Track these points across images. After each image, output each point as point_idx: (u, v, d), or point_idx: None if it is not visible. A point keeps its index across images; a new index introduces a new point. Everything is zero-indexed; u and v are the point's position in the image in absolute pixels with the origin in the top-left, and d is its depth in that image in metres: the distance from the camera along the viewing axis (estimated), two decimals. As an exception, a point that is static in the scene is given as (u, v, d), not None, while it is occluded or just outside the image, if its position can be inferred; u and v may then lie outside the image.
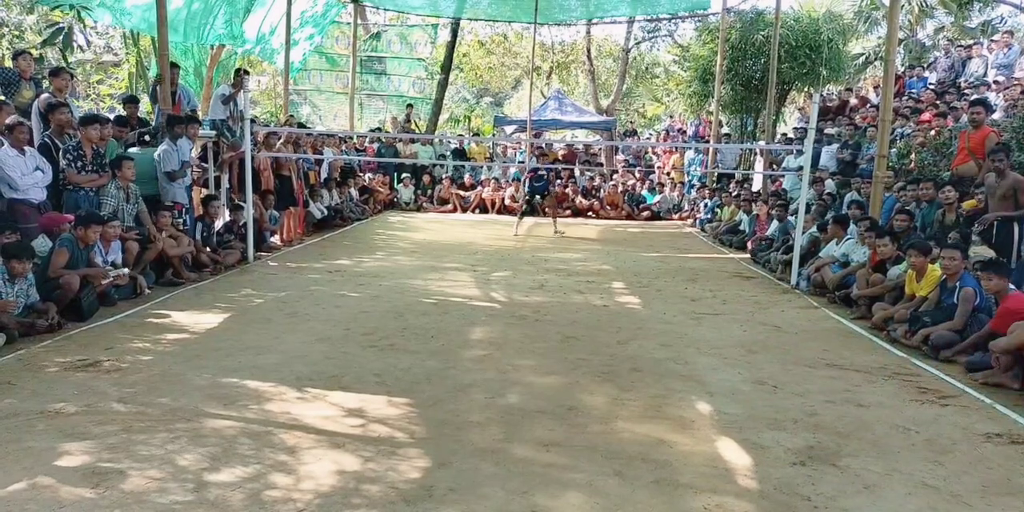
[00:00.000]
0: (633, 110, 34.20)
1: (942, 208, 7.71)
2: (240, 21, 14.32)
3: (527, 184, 13.43)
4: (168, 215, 7.59)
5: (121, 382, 4.42)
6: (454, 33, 21.58)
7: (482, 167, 17.39)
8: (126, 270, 6.57)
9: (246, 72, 10.62)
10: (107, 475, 3.20)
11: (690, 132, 20.19)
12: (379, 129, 19.47)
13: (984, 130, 8.05)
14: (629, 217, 16.00)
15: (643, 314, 6.81)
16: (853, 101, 15.11)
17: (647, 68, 30.57)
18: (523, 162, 17.27)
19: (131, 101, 9.34)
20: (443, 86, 21.39)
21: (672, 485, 3.29)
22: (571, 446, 3.69)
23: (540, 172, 13.42)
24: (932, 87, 13.41)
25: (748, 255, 10.51)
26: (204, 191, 9.51)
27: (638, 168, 18.00)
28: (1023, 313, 4.87)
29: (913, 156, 10.03)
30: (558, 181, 17.06)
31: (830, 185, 11.17)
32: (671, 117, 25.84)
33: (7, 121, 6.48)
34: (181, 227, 7.93)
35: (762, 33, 15.64)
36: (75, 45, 19.58)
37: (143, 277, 6.92)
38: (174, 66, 9.31)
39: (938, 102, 11.88)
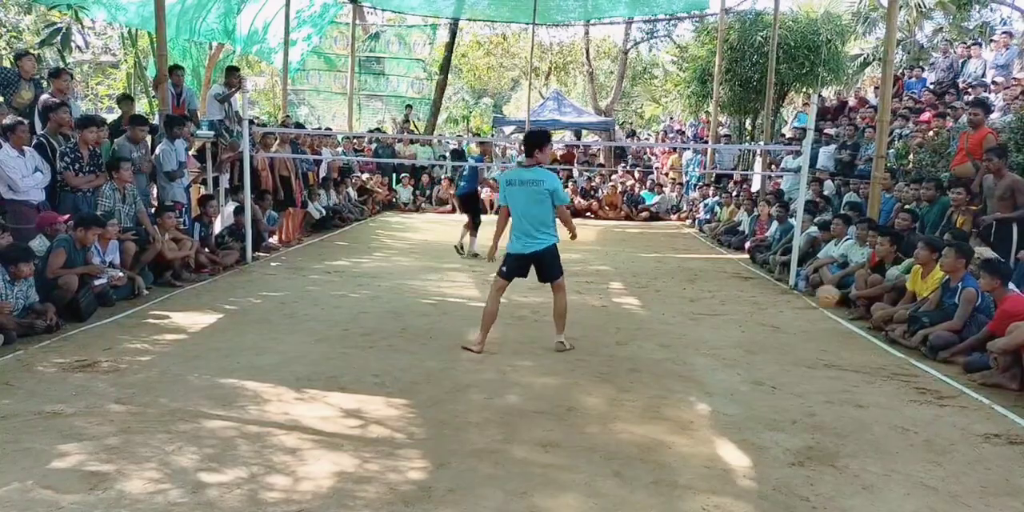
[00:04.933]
0: (631, 111, 34.21)
1: (949, 209, 7.69)
2: (234, 16, 14.30)
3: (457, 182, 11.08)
4: (173, 216, 7.60)
5: (119, 383, 4.42)
6: (453, 34, 21.58)
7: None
8: (121, 272, 6.56)
9: (237, 69, 10.58)
10: (105, 476, 3.20)
11: (689, 133, 20.22)
12: (378, 130, 19.47)
13: (982, 131, 8.05)
14: (628, 217, 16.01)
15: (642, 315, 6.81)
16: (851, 102, 15.12)
17: (645, 69, 30.59)
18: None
19: (126, 99, 9.36)
20: (441, 87, 21.40)
21: (671, 486, 3.29)
22: (570, 447, 3.69)
23: (465, 164, 10.68)
24: (931, 87, 13.41)
25: (747, 256, 10.52)
26: (202, 189, 9.50)
27: (637, 168, 18.02)
28: (1021, 315, 4.88)
29: (912, 157, 10.03)
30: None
31: (829, 186, 11.18)
32: (671, 118, 25.86)
33: (6, 121, 6.47)
34: (181, 227, 7.93)
35: (761, 34, 15.65)
36: (73, 45, 19.61)
37: (141, 278, 6.92)
38: (178, 68, 9.31)
39: (937, 103, 11.88)
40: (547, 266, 5.32)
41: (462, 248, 10.06)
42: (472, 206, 10.21)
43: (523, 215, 5.27)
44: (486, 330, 5.38)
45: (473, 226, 9.98)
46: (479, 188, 10.93)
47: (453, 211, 16.18)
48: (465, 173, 10.42)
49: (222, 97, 9.70)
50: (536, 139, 5.32)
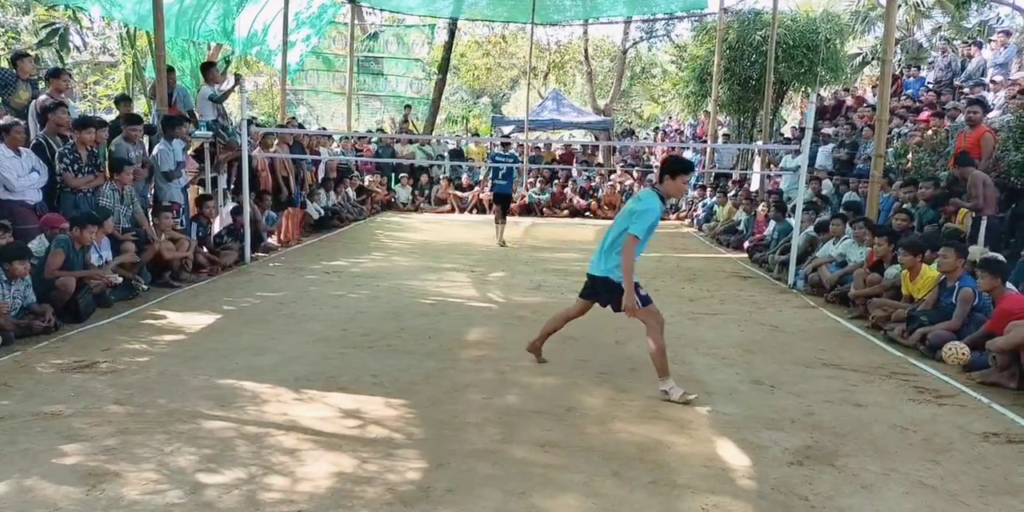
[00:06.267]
0: (630, 110, 34.23)
1: (942, 210, 7.74)
2: (233, 17, 14.28)
3: (490, 183, 11.92)
4: (169, 216, 7.59)
5: (118, 383, 4.41)
6: (451, 33, 21.57)
7: (479, 167, 17.37)
8: (119, 278, 6.54)
9: (213, 64, 10.51)
10: (103, 477, 3.19)
11: (688, 133, 20.18)
12: (379, 130, 19.46)
13: (979, 129, 8.08)
14: (627, 217, 15.98)
15: (641, 314, 6.80)
16: (849, 101, 15.12)
17: (644, 68, 30.60)
18: (524, 162, 17.22)
19: (123, 100, 9.35)
20: (440, 86, 21.39)
21: (670, 485, 3.29)
22: (569, 447, 3.68)
23: (501, 167, 11.25)
24: (930, 86, 13.42)
25: (745, 255, 10.52)
26: (201, 190, 9.49)
27: (636, 168, 18.02)
28: (1019, 313, 4.87)
29: (910, 156, 10.04)
30: (552, 180, 17.07)
31: (827, 185, 11.18)
32: (669, 118, 25.87)
33: (2, 121, 6.46)
34: (178, 227, 7.91)
35: (759, 33, 15.65)
36: (71, 46, 19.60)
37: (140, 277, 6.91)
38: (170, 69, 9.29)
39: (935, 102, 11.88)
40: (602, 293, 4.64)
41: (504, 242, 11.18)
42: (506, 202, 11.49)
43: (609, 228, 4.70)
44: (538, 336, 5.05)
45: (503, 220, 11.26)
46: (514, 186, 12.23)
47: (452, 211, 16.19)
48: (502, 172, 11.25)
49: (217, 98, 9.69)
50: (670, 165, 4.50)
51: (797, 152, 10.84)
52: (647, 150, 19.89)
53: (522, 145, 17.02)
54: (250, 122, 9.14)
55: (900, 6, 19.54)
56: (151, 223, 7.57)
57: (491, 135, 22.52)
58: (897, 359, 5.47)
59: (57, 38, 18.61)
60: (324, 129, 17.84)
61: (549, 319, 5.08)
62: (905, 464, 3.57)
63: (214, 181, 9.67)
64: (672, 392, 4.38)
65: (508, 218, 11.78)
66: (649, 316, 4.42)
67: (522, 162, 13.64)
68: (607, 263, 4.52)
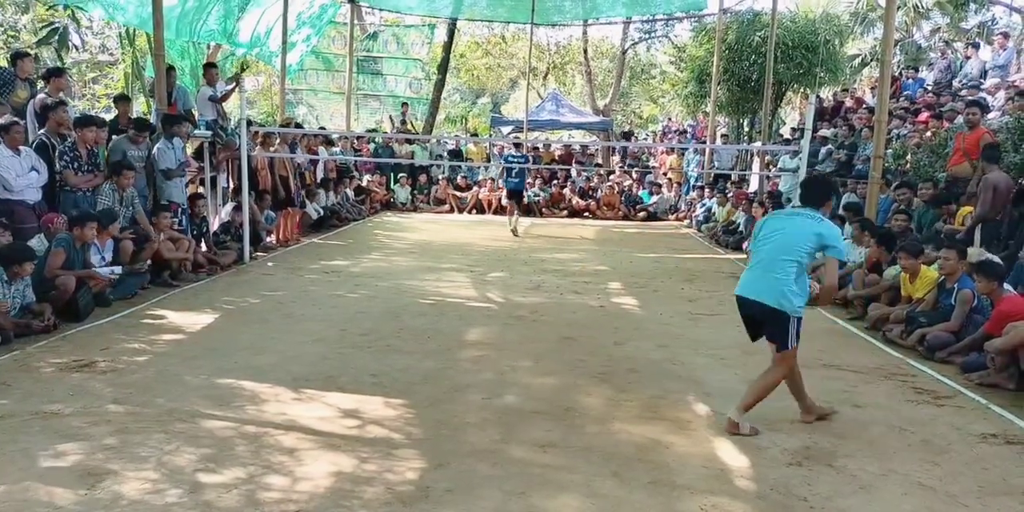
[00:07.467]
0: (630, 111, 34.24)
1: (939, 210, 7.73)
2: (235, 19, 14.28)
3: (504, 179, 13.42)
4: (168, 216, 7.58)
5: (117, 383, 4.41)
6: (451, 34, 21.57)
7: (479, 167, 17.38)
8: (119, 268, 6.53)
9: (214, 65, 10.56)
10: (102, 476, 3.19)
11: (688, 133, 20.17)
12: (374, 130, 19.46)
13: (978, 131, 8.09)
14: (626, 218, 16.03)
15: (640, 315, 6.82)
16: (848, 102, 15.14)
17: (643, 69, 30.62)
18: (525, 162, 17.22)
19: (122, 99, 9.35)
20: (439, 86, 21.40)
21: (669, 486, 3.29)
22: (568, 447, 3.68)
23: (514, 166, 12.64)
24: (929, 88, 13.44)
25: (744, 256, 10.52)
26: (201, 189, 9.49)
27: (635, 169, 18.02)
28: (1018, 315, 4.88)
29: (909, 157, 10.05)
30: (551, 180, 17.09)
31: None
32: (669, 118, 25.88)
33: (1, 121, 6.46)
34: (177, 227, 7.90)
35: (759, 34, 15.68)
36: (70, 45, 19.60)
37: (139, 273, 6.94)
38: (170, 68, 9.30)
39: (934, 103, 11.90)
40: (768, 323, 3.98)
41: (515, 231, 12.44)
42: (520, 198, 12.97)
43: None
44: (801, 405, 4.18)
45: (521, 212, 12.86)
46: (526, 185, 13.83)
47: (451, 211, 16.19)
48: (515, 171, 12.62)
49: (217, 99, 9.69)
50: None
51: (796, 153, 10.85)
52: (647, 151, 19.90)
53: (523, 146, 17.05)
54: (249, 124, 9.15)
55: (899, 7, 19.55)
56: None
57: (490, 135, 22.52)
58: (896, 360, 5.48)
59: (56, 37, 18.60)
60: (324, 129, 17.83)
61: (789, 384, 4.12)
62: (904, 465, 3.58)
63: (213, 180, 9.67)
64: (743, 426, 3.91)
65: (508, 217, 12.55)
66: (784, 359, 3.98)
67: (531, 162, 14.41)
68: (771, 289, 3.85)
